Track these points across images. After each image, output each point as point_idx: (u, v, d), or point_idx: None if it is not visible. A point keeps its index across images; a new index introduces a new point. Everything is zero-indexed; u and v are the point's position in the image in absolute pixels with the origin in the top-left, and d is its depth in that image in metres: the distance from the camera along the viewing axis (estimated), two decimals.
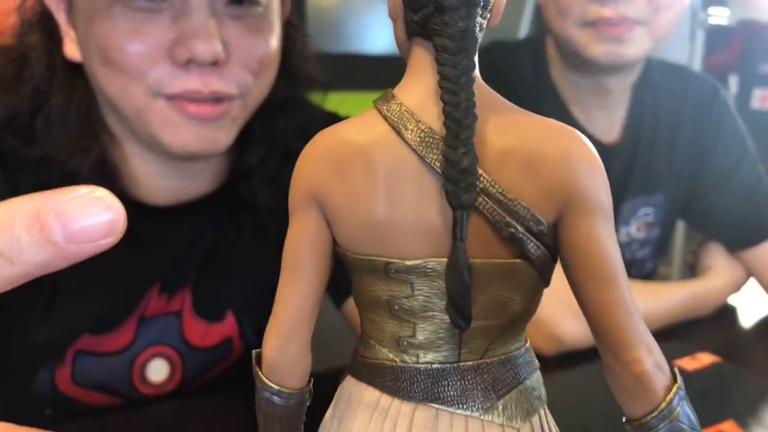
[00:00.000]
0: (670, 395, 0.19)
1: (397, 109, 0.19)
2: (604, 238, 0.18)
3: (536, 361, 0.21)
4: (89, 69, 0.51)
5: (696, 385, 0.58)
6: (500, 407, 0.20)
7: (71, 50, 0.52)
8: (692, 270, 0.83)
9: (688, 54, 1.84)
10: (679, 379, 0.19)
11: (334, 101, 0.79)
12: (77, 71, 0.52)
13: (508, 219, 0.18)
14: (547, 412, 0.21)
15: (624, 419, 0.20)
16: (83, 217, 0.14)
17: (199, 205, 0.58)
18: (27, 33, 0.53)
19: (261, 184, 0.58)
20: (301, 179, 0.20)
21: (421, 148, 0.18)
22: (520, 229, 0.18)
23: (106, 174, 0.53)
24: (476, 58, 0.20)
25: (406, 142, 0.18)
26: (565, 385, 0.67)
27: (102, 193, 0.14)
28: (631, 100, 0.77)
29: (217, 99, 0.49)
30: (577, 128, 0.76)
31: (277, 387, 0.21)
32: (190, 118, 0.48)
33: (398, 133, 0.19)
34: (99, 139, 0.54)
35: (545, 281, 0.20)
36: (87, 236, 0.14)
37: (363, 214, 0.19)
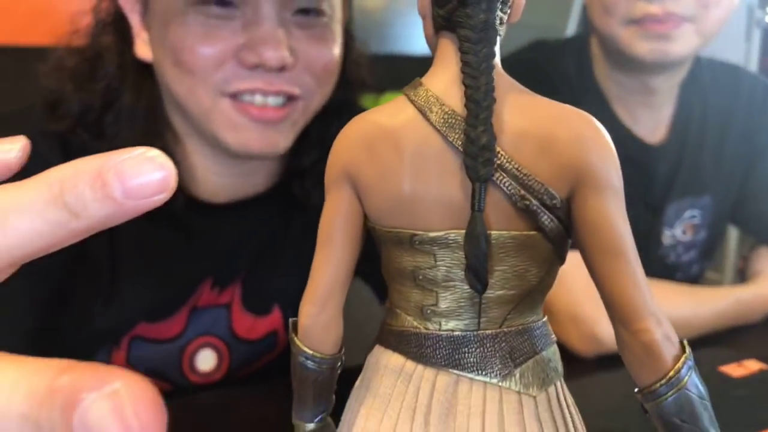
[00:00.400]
0: (679, 364, 0.19)
1: (424, 94, 0.21)
2: (612, 214, 0.20)
3: (553, 336, 0.22)
4: (160, 69, 0.54)
5: (742, 391, 0.57)
6: (517, 375, 0.21)
7: (142, 51, 0.55)
8: (743, 275, 0.81)
9: (744, 54, 1.79)
10: (688, 350, 0.20)
11: (376, 101, 0.81)
12: (146, 71, 0.55)
13: (523, 192, 0.19)
14: (564, 385, 0.22)
15: (636, 390, 0.20)
16: (139, 175, 0.15)
17: (252, 203, 0.60)
18: (101, 33, 0.56)
19: (314, 185, 0.61)
20: (335, 159, 0.22)
21: (444, 129, 0.20)
22: (534, 202, 0.19)
23: None
24: (497, 49, 0.21)
25: (431, 123, 0.20)
26: (605, 387, 0.66)
27: (155, 153, 0.16)
28: (679, 99, 0.76)
29: (280, 98, 0.51)
30: (621, 128, 0.76)
31: (311, 352, 0.22)
32: (252, 120, 0.51)
33: (424, 115, 0.20)
34: (163, 136, 0.57)
35: (560, 257, 0.21)
36: (142, 192, 0.15)
37: (391, 189, 0.20)
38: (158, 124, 0.56)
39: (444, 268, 0.20)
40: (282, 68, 0.50)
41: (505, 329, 0.21)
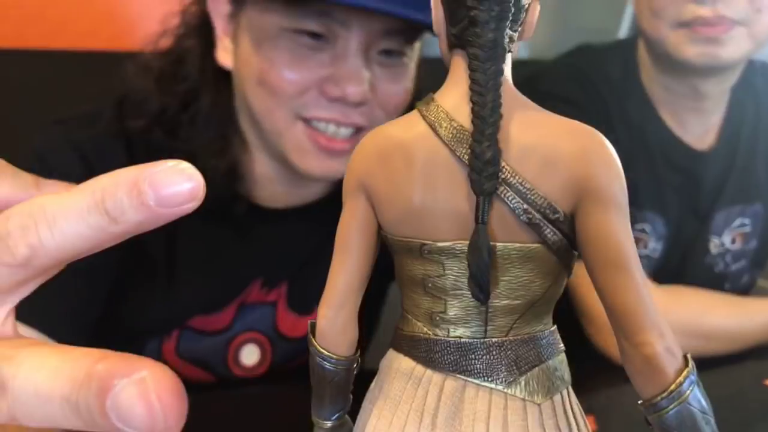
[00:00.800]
0: (680, 378, 0.20)
1: (435, 110, 0.22)
2: (615, 228, 0.20)
3: (561, 345, 0.23)
4: (241, 82, 0.56)
5: None
6: (522, 383, 0.21)
7: (223, 57, 0.57)
8: None
9: None
10: (691, 364, 0.20)
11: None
12: (224, 78, 0.57)
13: (525, 206, 0.20)
14: (571, 393, 0.23)
15: (639, 401, 0.21)
16: (171, 185, 0.17)
17: (308, 210, 0.63)
18: (186, 36, 0.59)
19: None
20: (352, 170, 0.23)
21: (453, 143, 0.21)
22: (537, 216, 0.20)
23: (235, 177, 0.59)
24: (507, 66, 0.22)
25: (441, 138, 0.21)
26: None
27: (185, 166, 0.17)
28: (730, 104, 0.74)
29: (350, 129, 0.54)
30: (668, 134, 0.75)
31: (327, 353, 0.23)
32: (319, 150, 0.54)
33: (434, 130, 0.21)
34: (232, 142, 0.59)
35: (567, 268, 0.22)
36: (173, 201, 0.17)
37: (402, 200, 0.21)
38: (230, 130, 0.59)
39: (452, 276, 0.21)
40: (360, 103, 0.53)
41: (511, 337, 0.22)
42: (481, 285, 0.20)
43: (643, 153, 0.74)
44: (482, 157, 0.20)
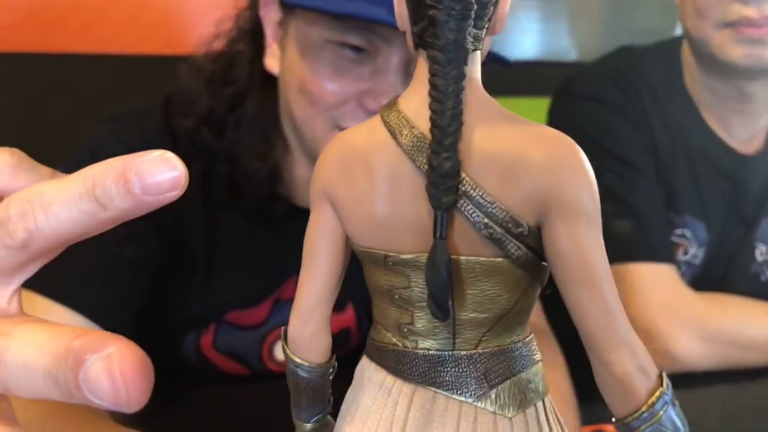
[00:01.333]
0: (653, 399, 0.19)
1: (396, 116, 0.21)
2: (584, 243, 0.19)
3: (537, 356, 0.22)
4: (284, 88, 0.58)
5: None
6: (492, 396, 0.21)
7: (271, 63, 0.59)
8: None
9: None
10: (666, 383, 0.19)
11: None
12: (271, 82, 0.59)
13: (486, 221, 0.19)
14: (548, 405, 0.22)
15: (612, 419, 0.20)
16: (155, 174, 0.18)
17: None
18: (238, 40, 0.61)
19: None
20: (315, 177, 0.23)
21: (413, 153, 0.20)
22: (498, 230, 0.19)
23: (276, 178, 0.61)
24: (476, 66, 0.21)
25: (401, 147, 0.20)
26: (682, 407, 0.63)
27: (170, 156, 0.18)
28: None
29: None
30: (712, 137, 0.73)
31: (299, 360, 0.23)
32: None
33: (395, 138, 0.20)
34: (275, 145, 0.61)
35: (538, 281, 0.21)
36: (157, 189, 0.18)
37: (364, 211, 0.21)
38: (273, 134, 0.61)
39: (418, 288, 0.21)
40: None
41: (480, 350, 0.21)
42: (439, 303, 0.19)
43: (685, 156, 0.71)
44: (440, 170, 0.19)
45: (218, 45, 0.62)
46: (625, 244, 0.78)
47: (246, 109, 0.59)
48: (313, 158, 0.58)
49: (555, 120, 0.94)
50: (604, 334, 0.19)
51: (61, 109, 2.14)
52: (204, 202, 0.61)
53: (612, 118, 0.82)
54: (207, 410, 0.61)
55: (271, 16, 0.58)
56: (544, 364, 0.44)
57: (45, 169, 0.23)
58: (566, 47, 2.40)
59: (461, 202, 0.19)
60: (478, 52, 0.21)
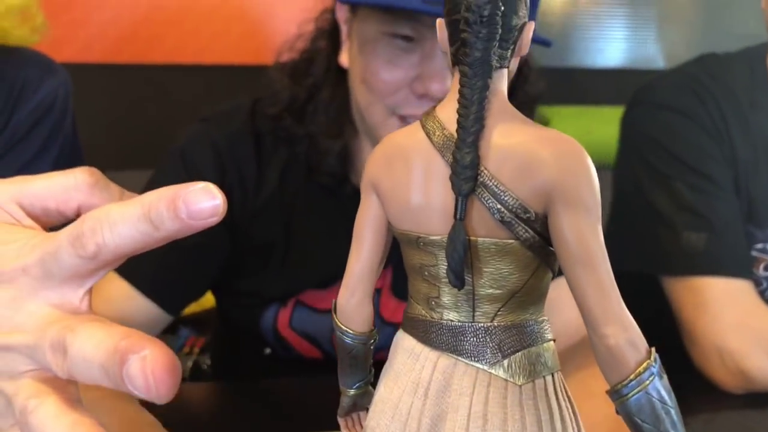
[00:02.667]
0: (640, 369, 0.21)
1: (432, 120, 0.25)
2: (581, 228, 0.22)
3: (548, 335, 0.25)
4: (351, 78, 0.65)
5: None
6: (505, 364, 0.24)
7: (344, 58, 0.66)
8: None
9: None
10: (653, 356, 0.22)
11: (552, 115, 0.84)
12: (343, 75, 0.67)
13: (499, 206, 0.23)
14: (557, 381, 0.25)
15: (606, 390, 0.22)
16: (198, 203, 0.22)
17: None
18: (318, 39, 0.69)
19: None
20: (366, 172, 0.26)
21: (443, 149, 0.24)
22: (509, 215, 0.22)
23: (346, 159, 0.68)
24: (501, 80, 0.24)
25: (434, 145, 0.24)
26: (751, 427, 0.63)
27: (211, 187, 0.22)
28: None
29: None
30: None
31: (345, 327, 0.27)
32: None
33: (429, 138, 0.24)
34: (345, 130, 0.68)
35: (545, 264, 0.24)
36: (200, 215, 0.22)
37: (402, 198, 0.25)
38: (344, 119, 0.68)
39: (443, 266, 0.24)
40: (425, 96, 0.58)
41: (496, 323, 0.24)
42: (456, 273, 0.23)
43: None
44: (462, 162, 0.22)
45: (300, 44, 0.70)
46: (698, 257, 0.76)
47: (322, 98, 0.67)
48: (375, 143, 0.63)
49: (627, 129, 0.93)
50: (599, 310, 0.22)
51: (159, 115, 2.30)
52: (283, 187, 0.69)
53: (687, 128, 0.80)
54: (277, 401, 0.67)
55: (343, 16, 0.66)
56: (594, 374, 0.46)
57: (116, 188, 0.28)
58: (654, 54, 2.33)
59: (479, 190, 0.23)
60: (504, 69, 0.24)
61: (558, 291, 0.78)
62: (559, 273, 0.79)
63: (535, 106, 0.73)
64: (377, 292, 0.70)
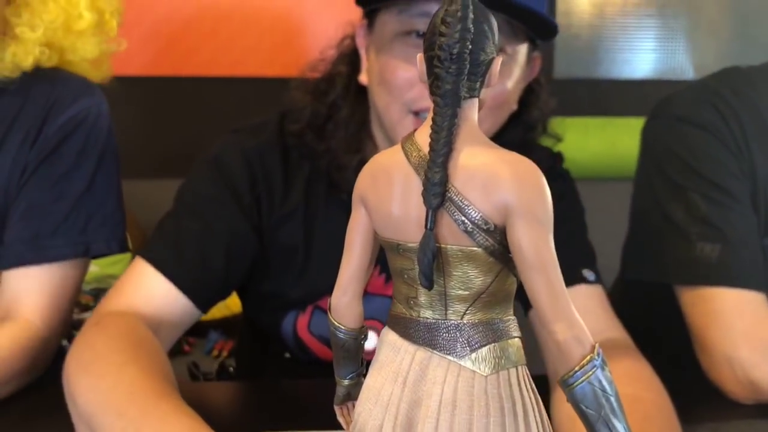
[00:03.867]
0: (584, 361, 0.25)
1: (410, 143, 0.28)
2: (533, 238, 0.25)
3: (514, 333, 0.28)
4: (370, 88, 0.70)
5: None
6: (473, 357, 0.27)
7: (363, 77, 0.71)
8: None
9: None
10: (596, 350, 0.25)
11: (578, 126, 0.87)
12: (363, 94, 0.72)
13: (463, 218, 0.26)
14: (522, 374, 0.28)
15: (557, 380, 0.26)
16: None
17: None
18: (339, 62, 0.75)
19: None
20: (355, 187, 0.30)
21: (418, 168, 0.27)
22: (471, 226, 0.26)
23: None
24: (472, 109, 0.28)
25: (411, 164, 0.27)
26: None
27: None
28: None
29: None
30: None
31: (337, 323, 0.31)
32: None
33: (407, 158, 0.28)
34: (365, 144, 0.73)
35: (508, 269, 0.27)
36: None
37: (384, 210, 0.28)
38: (363, 134, 0.73)
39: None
40: None
41: (465, 321, 0.27)
42: (426, 276, 0.26)
43: None
44: (432, 180, 0.26)
45: (322, 66, 0.75)
46: (711, 268, 0.77)
47: (342, 114, 0.71)
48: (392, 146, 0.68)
49: (646, 140, 0.94)
50: (549, 309, 0.25)
51: (195, 124, 2.38)
52: (307, 198, 0.74)
53: (705, 141, 0.81)
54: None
55: (362, 41, 0.71)
56: (632, 379, 0.48)
57: None
58: (683, 65, 2.32)
59: (447, 204, 0.26)
60: (475, 99, 0.28)
61: None
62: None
63: (547, 121, 0.77)
64: (391, 300, 0.74)
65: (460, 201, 0.26)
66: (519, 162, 0.26)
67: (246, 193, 0.71)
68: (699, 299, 0.78)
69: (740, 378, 0.71)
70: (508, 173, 0.26)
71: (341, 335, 0.31)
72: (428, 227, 0.26)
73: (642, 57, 2.33)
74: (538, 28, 0.65)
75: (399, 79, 0.64)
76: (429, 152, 0.27)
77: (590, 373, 0.24)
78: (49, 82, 0.81)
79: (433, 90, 0.27)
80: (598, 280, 0.74)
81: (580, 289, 0.72)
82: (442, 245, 0.27)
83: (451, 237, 0.27)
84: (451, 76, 0.26)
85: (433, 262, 0.26)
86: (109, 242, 0.84)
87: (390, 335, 0.30)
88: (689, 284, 0.80)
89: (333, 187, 0.72)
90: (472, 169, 0.26)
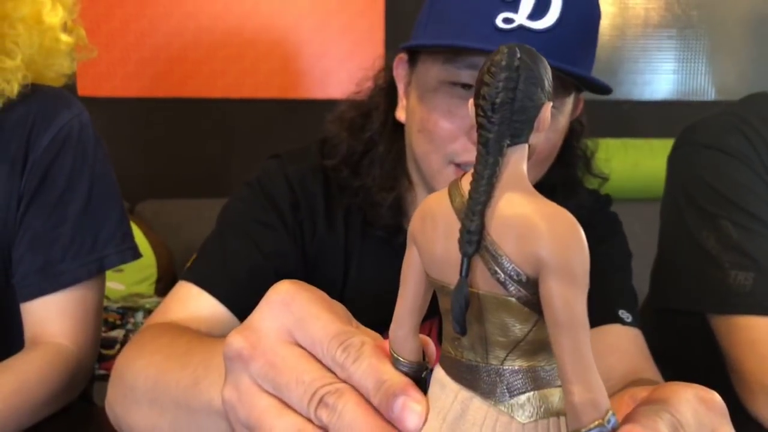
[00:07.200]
0: (590, 425, 0.24)
1: (456, 187, 0.29)
2: (564, 294, 0.25)
3: (557, 383, 0.28)
4: (408, 131, 0.70)
5: None
6: (513, 403, 0.28)
7: (400, 114, 0.71)
8: None
9: None
10: (607, 418, 0.25)
11: (599, 147, 0.88)
12: (399, 130, 0.72)
13: (496, 268, 0.26)
14: (563, 423, 0.27)
15: None
16: (407, 421, 0.29)
17: None
18: (375, 96, 0.75)
19: None
20: (410, 226, 0.31)
21: (459, 214, 0.28)
22: (503, 276, 0.26)
23: (400, 210, 0.72)
24: (519, 156, 0.27)
25: (454, 209, 0.28)
26: None
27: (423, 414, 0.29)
28: None
29: None
30: None
31: (396, 355, 0.32)
32: None
33: (452, 202, 0.28)
34: (400, 182, 0.73)
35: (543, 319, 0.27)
36: (400, 424, 0.29)
37: (430, 252, 0.29)
38: (399, 172, 0.73)
39: None
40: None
41: (506, 366, 0.28)
42: (458, 321, 0.27)
43: None
44: (468, 227, 0.26)
45: (358, 98, 0.76)
46: (745, 297, 0.77)
47: (378, 151, 0.72)
48: (431, 192, 0.67)
49: (674, 168, 0.94)
50: (570, 369, 0.25)
51: (218, 145, 2.41)
52: (346, 232, 0.74)
53: (733, 168, 0.81)
54: None
55: (401, 74, 0.71)
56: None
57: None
58: (705, 87, 2.31)
59: (482, 252, 0.27)
60: (522, 145, 0.28)
61: (599, 338, 0.79)
62: (596, 323, 0.83)
63: (591, 161, 0.77)
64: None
65: (494, 250, 0.26)
66: (556, 215, 0.26)
67: (289, 216, 0.71)
68: (734, 328, 0.78)
69: None
70: (544, 226, 0.26)
71: (402, 367, 0.31)
72: (462, 274, 0.27)
73: (663, 78, 2.32)
74: (591, 86, 0.65)
75: (442, 131, 0.63)
76: (467, 200, 0.27)
77: None
78: (21, 102, 0.79)
79: (478, 138, 0.28)
80: (636, 323, 0.74)
81: (614, 328, 0.72)
82: (479, 291, 0.27)
83: (485, 284, 0.27)
84: (494, 126, 0.27)
85: (465, 308, 0.27)
86: (121, 253, 0.84)
87: (439, 373, 0.30)
88: (723, 313, 0.80)
89: (367, 224, 0.72)
90: (509, 219, 0.26)
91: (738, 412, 0.75)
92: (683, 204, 0.84)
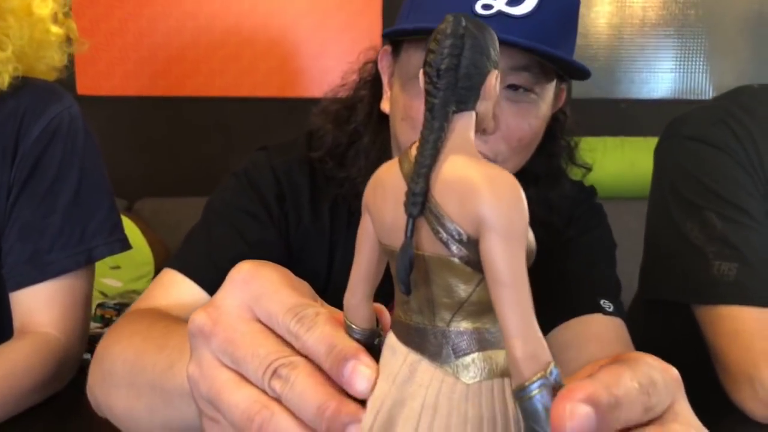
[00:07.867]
0: (533, 378, 0.25)
1: (405, 154, 0.30)
2: (501, 251, 0.25)
3: (500, 344, 0.28)
4: (392, 121, 0.70)
5: None
6: (458, 364, 0.28)
7: (385, 105, 0.72)
8: None
9: None
10: (549, 370, 0.25)
11: (596, 146, 0.88)
12: (384, 121, 0.72)
13: (438, 228, 0.27)
14: (505, 387, 0.28)
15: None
16: (356, 384, 0.30)
17: None
18: (360, 88, 0.75)
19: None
20: (363, 195, 0.31)
21: (407, 179, 0.28)
22: (445, 235, 0.27)
23: None
24: (463, 121, 0.28)
25: (402, 175, 0.29)
26: None
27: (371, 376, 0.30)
28: None
29: None
30: None
31: (349, 323, 0.32)
32: None
33: (401, 169, 0.29)
34: None
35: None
36: (351, 388, 0.30)
37: (380, 218, 0.30)
38: (383, 161, 0.73)
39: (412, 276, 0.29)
40: (483, 132, 0.63)
41: (451, 328, 0.28)
42: (403, 281, 0.28)
43: None
44: (413, 189, 0.27)
45: (343, 92, 0.75)
46: (729, 287, 0.77)
47: (363, 143, 0.72)
48: None
49: (659, 160, 0.94)
50: (509, 323, 0.25)
51: (217, 143, 2.43)
52: (331, 223, 0.74)
53: (718, 159, 0.81)
54: None
55: (385, 66, 0.71)
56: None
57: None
58: (702, 86, 2.31)
59: (426, 214, 0.27)
60: (468, 112, 0.28)
61: (580, 328, 0.79)
62: (577, 313, 0.83)
63: (574, 151, 0.77)
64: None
65: (438, 211, 0.27)
66: (498, 176, 0.27)
67: (274, 206, 0.72)
68: (718, 318, 0.78)
69: (761, 397, 0.70)
70: (485, 186, 0.26)
71: (355, 335, 0.32)
72: (408, 235, 0.27)
73: (660, 77, 2.32)
74: (571, 71, 0.65)
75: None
76: (414, 164, 0.28)
77: (535, 391, 0.25)
78: (12, 95, 0.80)
79: (425, 105, 0.28)
80: (618, 313, 0.74)
81: (596, 318, 0.72)
82: (424, 253, 0.28)
83: (430, 246, 0.28)
84: (439, 92, 0.27)
85: (410, 268, 0.27)
86: (109, 244, 0.85)
87: (391, 338, 0.31)
88: (707, 303, 0.80)
89: (353, 214, 0.73)
90: (452, 181, 0.27)
91: (721, 401, 0.75)
92: (668, 195, 0.85)
